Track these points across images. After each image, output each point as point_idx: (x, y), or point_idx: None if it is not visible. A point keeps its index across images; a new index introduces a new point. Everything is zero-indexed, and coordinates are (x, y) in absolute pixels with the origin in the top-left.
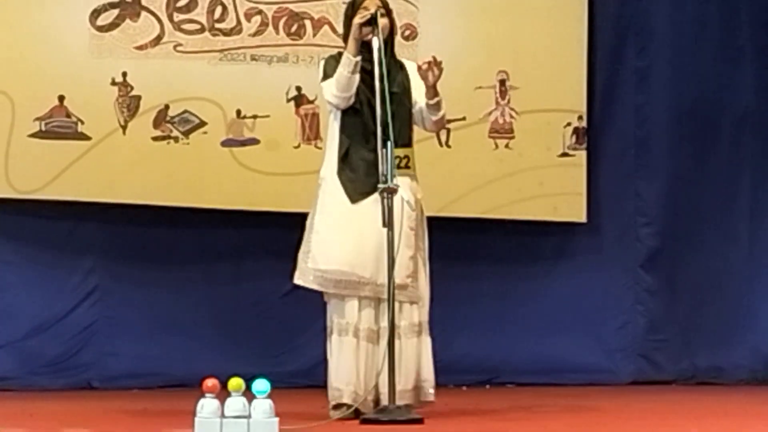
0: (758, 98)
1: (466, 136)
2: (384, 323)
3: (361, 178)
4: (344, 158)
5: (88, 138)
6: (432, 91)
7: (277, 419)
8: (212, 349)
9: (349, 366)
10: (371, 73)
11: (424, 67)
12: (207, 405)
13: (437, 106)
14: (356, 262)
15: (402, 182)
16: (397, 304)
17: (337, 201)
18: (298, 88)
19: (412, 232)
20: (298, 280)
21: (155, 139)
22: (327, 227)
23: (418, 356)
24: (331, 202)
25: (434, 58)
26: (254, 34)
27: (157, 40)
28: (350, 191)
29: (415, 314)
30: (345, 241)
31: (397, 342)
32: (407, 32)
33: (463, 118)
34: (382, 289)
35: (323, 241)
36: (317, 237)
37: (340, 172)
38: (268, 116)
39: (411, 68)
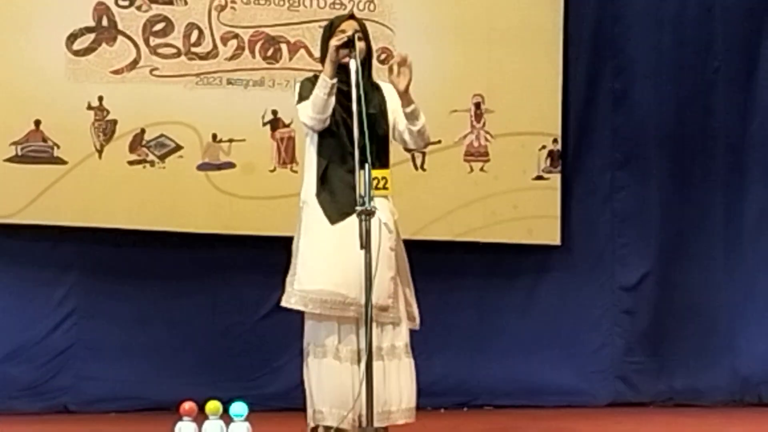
0: (733, 120)
1: (442, 159)
2: (364, 344)
3: (340, 199)
4: (323, 179)
5: (64, 162)
6: (405, 98)
7: None
8: (189, 373)
9: (331, 388)
10: (348, 94)
11: (394, 71)
12: (184, 428)
13: (414, 115)
14: (341, 282)
15: (380, 204)
16: (378, 327)
17: (319, 222)
18: (274, 112)
19: (392, 253)
20: (284, 302)
21: (131, 163)
22: (311, 249)
23: (405, 376)
24: (313, 224)
25: (401, 56)
26: (230, 58)
27: (134, 64)
28: (329, 212)
29: (396, 336)
30: (329, 261)
31: (380, 363)
32: (383, 56)
33: (439, 141)
34: (361, 309)
35: (307, 262)
36: (302, 259)
37: (319, 194)
38: (244, 140)
39: (387, 90)
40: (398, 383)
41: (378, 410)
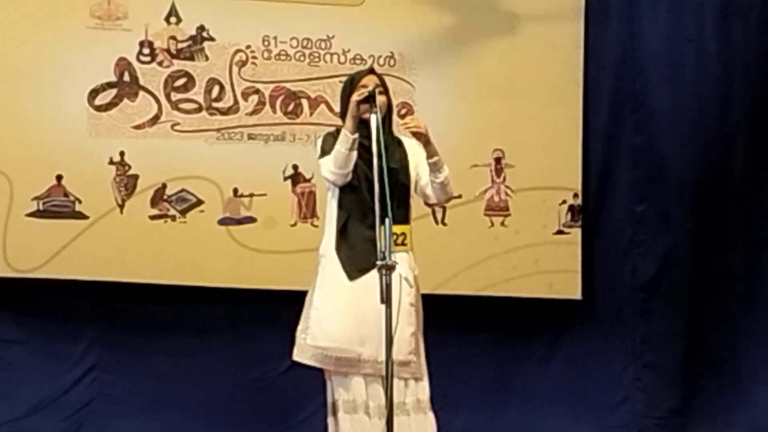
0: (753, 172)
1: (462, 213)
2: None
3: (359, 254)
4: (342, 234)
5: (85, 217)
6: (430, 149)
7: None
8: (211, 427)
9: None
10: (369, 149)
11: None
12: None
13: (437, 166)
14: (355, 340)
15: (400, 259)
16: (402, 382)
17: (337, 277)
18: (295, 167)
19: (412, 308)
20: (297, 357)
21: (152, 217)
22: (326, 304)
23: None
24: (331, 278)
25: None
26: (251, 113)
27: (155, 119)
28: (348, 268)
29: (420, 390)
30: (344, 318)
31: (405, 418)
32: (404, 110)
33: (459, 196)
34: (383, 366)
35: (323, 318)
36: (316, 313)
37: (338, 248)
38: (264, 194)
39: (409, 144)
40: None
41: None
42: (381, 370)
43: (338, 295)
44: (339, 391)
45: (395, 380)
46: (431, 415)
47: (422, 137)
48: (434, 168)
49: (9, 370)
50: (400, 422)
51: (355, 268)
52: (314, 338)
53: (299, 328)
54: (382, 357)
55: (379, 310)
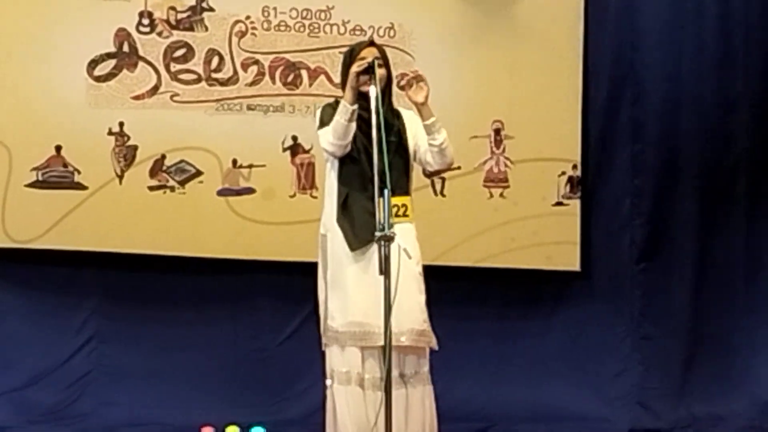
0: (752, 147)
1: (461, 185)
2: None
3: (360, 226)
4: (344, 206)
5: (84, 188)
6: (425, 111)
7: None
8: (209, 397)
9: (357, 415)
10: (368, 121)
11: (412, 87)
12: None
13: (434, 128)
14: (370, 313)
15: (402, 230)
16: (401, 354)
17: (344, 254)
18: (294, 138)
19: (421, 277)
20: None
21: (152, 188)
22: (341, 283)
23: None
24: (339, 256)
25: (417, 73)
26: (251, 84)
27: (154, 90)
28: (350, 239)
29: (422, 362)
30: (358, 292)
31: (403, 391)
32: (403, 81)
33: (459, 168)
34: (396, 335)
35: (341, 296)
36: (333, 294)
37: (340, 220)
38: (264, 166)
39: (408, 116)
40: (422, 409)
41: None
42: (396, 339)
43: (347, 271)
44: (335, 361)
45: (395, 353)
46: (430, 387)
47: (421, 94)
48: (431, 130)
49: (8, 340)
50: (399, 395)
51: (357, 239)
52: (333, 319)
53: (322, 312)
54: (394, 327)
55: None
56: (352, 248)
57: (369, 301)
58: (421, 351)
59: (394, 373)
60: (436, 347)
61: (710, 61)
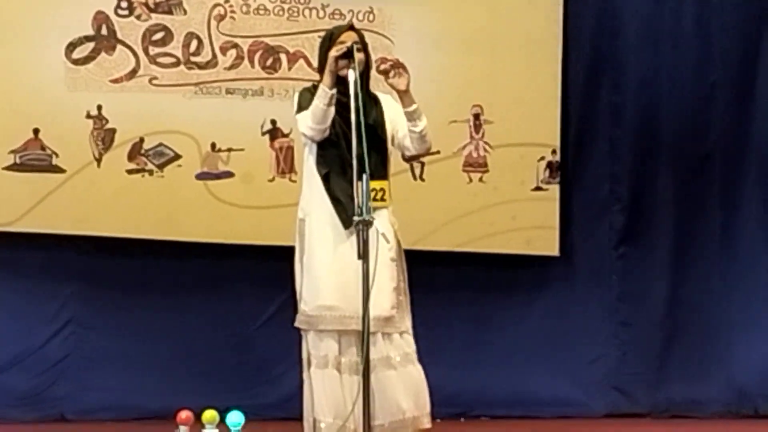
0: (730, 133)
1: (440, 169)
2: (371, 355)
3: (347, 205)
4: (327, 188)
5: (62, 171)
6: (407, 97)
7: None
8: (187, 381)
9: (331, 398)
10: (347, 106)
11: (391, 74)
12: None
13: (416, 115)
14: (341, 297)
15: (378, 215)
16: (386, 337)
17: (321, 238)
18: (273, 122)
19: (393, 263)
20: (298, 324)
21: (130, 172)
22: (314, 267)
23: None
24: (316, 240)
25: (396, 60)
26: (229, 68)
27: (133, 73)
28: (344, 218)
29: (405, 344)
30: (330, 277)
31: (393, 372)
32: (382, 66)
33: (438, 152)
34: (368, 322)
35: (312, 281)
36: (307, 278)
37: (332, 200)
38: (242, 149)
39: (386, 101)
40: (415, 387)
41: (396, 418)
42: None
43: (327, 256)
44: (312, 346)
45: (378, 336)
46: (419, 366)
47: (403, 81)
48: (412, 117)
49: None
50: (387, 376)
51: (350, 219)
52: (305, 303)
53: (298, 295)
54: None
55: (360, 267)
56: (346, 226)
57: (340, 285)
58: (401, 334)
59: (380, 356)
60: (407, 332)
61: (688, 48)
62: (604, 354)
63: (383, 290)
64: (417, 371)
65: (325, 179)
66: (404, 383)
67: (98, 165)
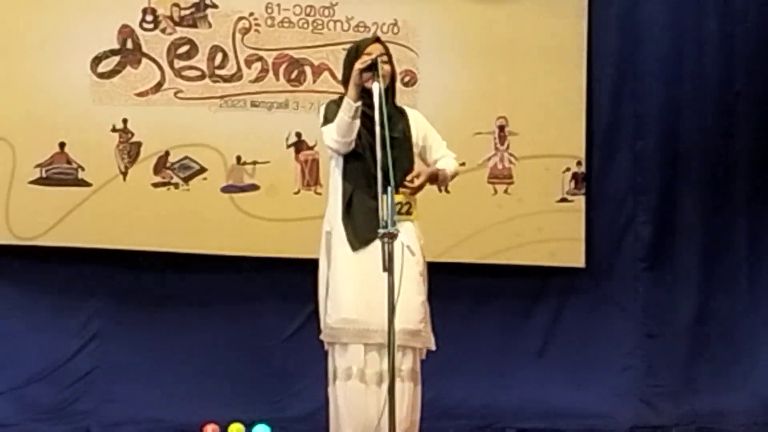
0: (754, 144)
1: (466, 181)
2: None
3: (362, 226)
4: (348, 205)
5: (88, 184)
6: (444, 182)
7: None
8: (213, 395)
9: (359, 411)
10: (372, 118)
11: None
12: None
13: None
14: (364, 310)
15: (403, 228)
16: (400, 349)
17: (345, 251)
18: (298, 134)
19: (421, 278)
20: (324, 337)
21: (155, 185)
22: (337, 280)
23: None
24: (340, 253)
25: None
26: (254, 81)
27: (158, 86)
28: (352, 238)
29: (416, 361)
30: (356, 291)
31: (400, 384)
32: (407, 78)
33: (463, 164)
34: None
35: (334, 294)
36: (331, 291)
37: (344, 219)
38: (268, 162)
39: (412, 116)
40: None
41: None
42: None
43: (347, 268)
44: (337, 359)
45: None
46: (418, 387)
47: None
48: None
49: (11, 338)
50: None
51: (359, 239)
52: (329, 316)
53: (322, 309)
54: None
55: (385, 280)
56: (354, 249)
57: (364, 298)
58: (416, 350)
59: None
60: (432, 347)
61: (711, 59)
62: (630, 366)
63: (411, 303)
64: (417, 392)
65: (349, 197)
66: (403, 397)
67: (124, 178)
